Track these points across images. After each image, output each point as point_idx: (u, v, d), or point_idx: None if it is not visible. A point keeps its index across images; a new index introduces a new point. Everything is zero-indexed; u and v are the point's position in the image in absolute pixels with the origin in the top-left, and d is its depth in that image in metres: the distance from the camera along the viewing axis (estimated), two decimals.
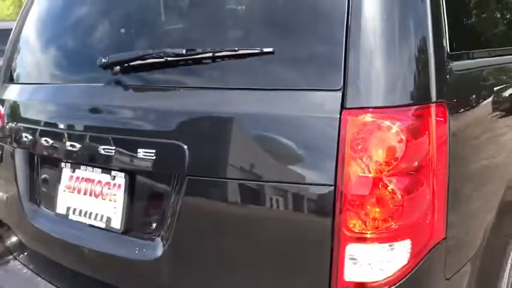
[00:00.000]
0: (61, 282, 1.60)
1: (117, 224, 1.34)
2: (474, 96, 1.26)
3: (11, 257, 1.83)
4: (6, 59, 1.94)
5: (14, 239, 1.82)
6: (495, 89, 1.37)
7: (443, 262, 1.13)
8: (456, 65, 1.17)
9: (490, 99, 1.33)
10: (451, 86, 1.14)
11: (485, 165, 1.29)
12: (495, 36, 1.49)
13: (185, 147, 1.17)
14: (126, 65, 1.28)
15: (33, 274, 1.72)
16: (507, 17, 1.60)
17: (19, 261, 1.81)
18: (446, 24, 1.15)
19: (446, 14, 1.16)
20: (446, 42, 1.14)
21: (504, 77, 1.43)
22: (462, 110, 1.19)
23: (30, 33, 1.83)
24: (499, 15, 1.56)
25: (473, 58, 1.28)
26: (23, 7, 1.96)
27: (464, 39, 1.26)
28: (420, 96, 1.06)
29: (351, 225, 1.03)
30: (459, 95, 1.18)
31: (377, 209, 1.02)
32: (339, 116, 1.03)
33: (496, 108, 1.33)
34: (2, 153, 1.80)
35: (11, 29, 1.99)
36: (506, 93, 1.40)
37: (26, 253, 1.77)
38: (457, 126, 1.14)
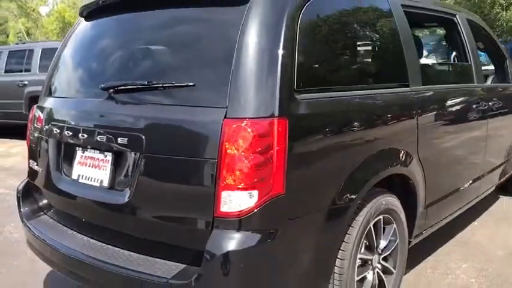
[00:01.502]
0: (73, 225, 2.50)
1: (105, 183, 2.24)
2: (312, 114, 2.08)
3: (42, 212, 2.75)
4: (47, 79, 2.89)
5: (42, 199, 2.74)
6: (330, 111, 2.19)
7: (285, 207, 1.96)
8: (300, 96, 2.01)
9: (325, 116, 2.16)
10: (294, 109, 1.98)
11: (318, 156, 2.12)
12: (333, 80, 2.29)
13: (143, 137, 2.06)
14: (115, 89, 2.19)
15: (58, 222, 2.63)
16: (344, 65, 2.42)
17: (47, 214, 2.72)
18: (296, 71, 2.00)
19: (297, 67, 2.01)
20: (294, 83, 1.99)
21: (338, 106, 2.26)
22: (302, 122, 2.02)
23: (61, 62, 2.79)
24: (336, 65, 2.38)
25: (314, 93, 2.10)
26: (62, 41, 2.93)
27: (308, 81, 2.08)
28: (269, 113, 1.91)
29: (225, 181, 1.88)
30: (300, 113, 2.01)
31: (238, 173, 1.88)
32: (222, 122, 1.90)
33: (329, 121, 2.16)
34: (41, 143, 2.72)
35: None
36: (337, 115, 2.22)
37: (51, 209, 2.69)
38: (297, 130, 1.98)
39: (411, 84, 2.69)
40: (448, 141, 3.07)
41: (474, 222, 4.08)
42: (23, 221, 2.72)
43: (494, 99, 3.69)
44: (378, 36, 2.64)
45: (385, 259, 2.63)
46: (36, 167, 2.72)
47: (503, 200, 4.66)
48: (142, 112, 2.15)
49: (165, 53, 2.24)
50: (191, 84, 2.02)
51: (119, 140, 2.15)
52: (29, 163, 2.83)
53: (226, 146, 1.89)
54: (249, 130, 1.88)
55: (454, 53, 3.64)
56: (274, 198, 1.92)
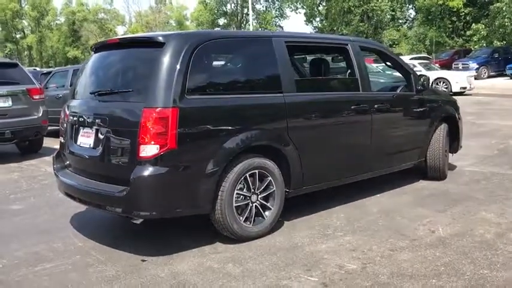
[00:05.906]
0: (78, 172, 4.34)
1: (91, 145, 4.07)
2: (197, 107, 3.78)
3: (65, 168, 4.62)
4: (72, 88, 4.80)
5: (65, 160, 4.61)
6: (210, 106, 3.87)
7: (179, 155, 3.66)
8: (190, 96, 3.72)
9: (205, 109, 3.85)
10: (184, 104, 3.69)
11: (200, 130, 3.79)
12: (215, 88, 3.97)
13: (107, 118, 3.87)
14: (98, 93, 4.03)
15: (72, 172, 4.48)
16: (224, 80, 4.09)
17: (67, 169, 4.59)
18: (187, 83, 3.72)
19: (188, 80, 3.73)
20: (185, 89, 3.71)
21: (216, 103, 3.92)
22: (189, 111, 3.71)
23: (79, 77, 4.69)
24: (218, 80, 4.05)
25: (199, 95, 3.80)
26: (83, 63, 4.83)
27: (195, 88, 3.78)
28: (168, 105, 3.63)
29: (143, 139, 3.62)
30: (188, 107, 3.70)
31: (149, 136, 3.61)
32: (142, 110, 3.64)
33: (209, 111, 3.85)
34: (66, 126, 4.59)
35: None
36: (215, 108, 3.90)
37: (70, 165, 4.55)
38: (185, 116, 3.68)
39: (284, 92, 4.29)
40: (319, 128, 4.58)
41: (377, 194, 5.45)
42: (55, 173, 4.60)
43: (384, 103, 5.17)
44: (254, 61, 4.31)
45: (266, 199, 4.21)
46: (62, 141, 4.61)
47: (420, 183, 5.96)
48: (107, 105, 3.97)
49: (121, 72, 4.06)
50: (130, 90, 3.81)
51: (97, 120, 3.97)
52: (60, 139, 4.73)
53: (143, 122, 3.63)
54: (154, 114, 3.61)
55: (348, 71, 5.17)
56: (170, 150, 3.63)
